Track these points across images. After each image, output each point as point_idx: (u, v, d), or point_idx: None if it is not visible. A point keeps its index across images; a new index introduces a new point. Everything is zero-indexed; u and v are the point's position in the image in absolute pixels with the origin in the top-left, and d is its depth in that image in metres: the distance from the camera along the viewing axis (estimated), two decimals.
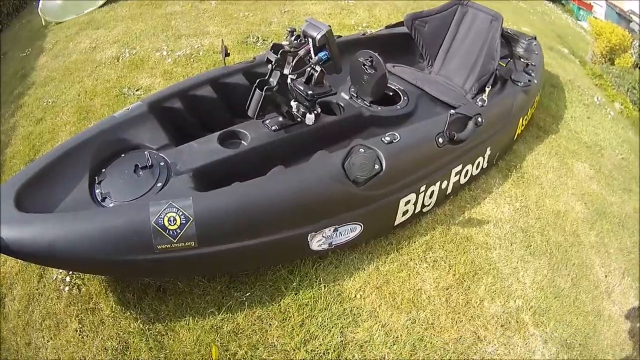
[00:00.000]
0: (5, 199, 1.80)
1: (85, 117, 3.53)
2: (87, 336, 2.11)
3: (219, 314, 2.21)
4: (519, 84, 3.30)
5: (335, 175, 2.12)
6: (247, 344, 2.12)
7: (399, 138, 2.35)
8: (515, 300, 2.53)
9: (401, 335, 2.24)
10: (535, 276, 2.73)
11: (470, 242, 2.80)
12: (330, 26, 2.30)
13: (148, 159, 2.15)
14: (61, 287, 2.30)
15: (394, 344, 2.21)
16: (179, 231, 1.81)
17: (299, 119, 2.47)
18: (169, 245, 1.82)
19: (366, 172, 2.14)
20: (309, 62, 2.33)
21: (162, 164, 2.19)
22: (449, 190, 2.86)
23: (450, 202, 3.04)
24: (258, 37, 4.70)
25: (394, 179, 2.32)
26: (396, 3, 6.09)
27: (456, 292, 2.49)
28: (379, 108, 2.92)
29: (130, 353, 2.06)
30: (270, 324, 2.20)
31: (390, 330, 2.25)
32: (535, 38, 4.14)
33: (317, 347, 2.14)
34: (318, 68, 2.30)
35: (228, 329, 2.17)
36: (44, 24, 5.29)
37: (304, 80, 2.37)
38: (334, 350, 2.13)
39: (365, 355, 2.14)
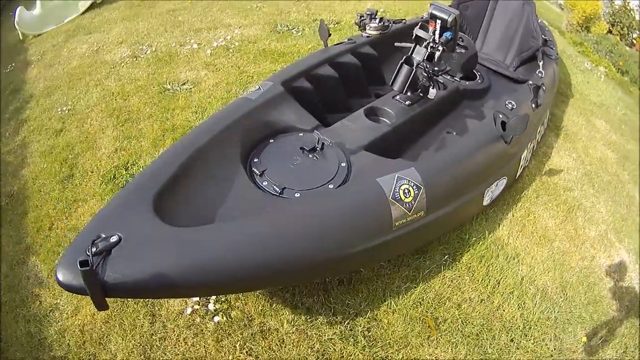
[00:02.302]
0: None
1: (127, 119, 3.21)
2: None
3: (416, 288, 2.27)
4: (552, 57, 3.60)
5: (497, 137, 2.33)
6: (451, 306, 2.24)
7: (515, 105, 2.59)
8: (600, 225, 3.10)
9: (548, 263, 2.66)
10: (606, 206, 3.30)
11: (558, 186, 3.28)
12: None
13: (318, 140, 2.01)
14: (199, 320, 1.98)
15: (547, 272, 2.61)
16: (413, 202, 1.76)
17: (421, 94, 2.62)
18: (404, 220, 1.74)
19: (519, 131, 2.31)
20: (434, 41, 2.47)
21: (330, 144, 2.04)
22: (535, 147, 3.21)
23: (533, 158, 3.39)
24: (287, 26, 4.63)
25: (523, 136, 2.55)
26: None
27: (567, 225, 3.00)
28: (467, 83, 3.11)
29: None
30: (462, 282, 2.38)
31: (541, 261, 2.66)
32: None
33: (505, 289, 2.41)
34: (441, 48, 2.43)
35: (430, 298, 2.25)
36: (21, 37, 4.92)
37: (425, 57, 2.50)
38: (516, 288, 2.45)
39: (535, 285, 2.50)
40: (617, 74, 6.27)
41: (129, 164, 2.81)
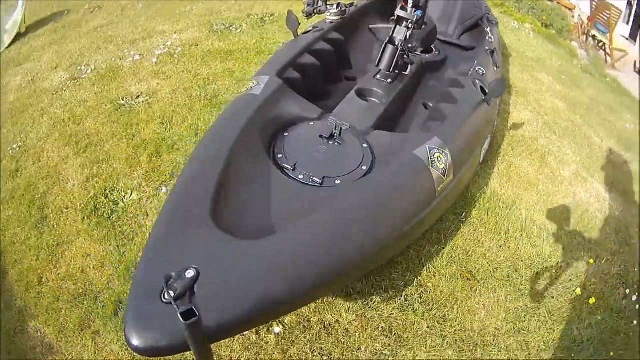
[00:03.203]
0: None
1: (88, 143, 2.89)
2: None
3: (445, 248, 2.37)
4: (493, 22, 3.82)
5: (482, 101, 2.46)
6: (478, 257, 2.38)
7: (485, 70, 2.78)
8: (571, 165, 3.38)
9: (540, 205, 2.89)
10: (571, 148, 3.59)
11: (526, 138, 3.51)
12: None
13: (336, 126, 1.96)
14: (255, 338, 1.83)
15: (542, 212, 2.85)
16: (445, 168, 1.82)
17: (402, 71, 2.69)
18: (442, 185, 1.79)
19: (499, 93, 2.50)
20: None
21: (344, 128, 2.00)
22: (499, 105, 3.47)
23: (498, 116, 3.61)
24: (224, 25, 4.45)
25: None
26: None
27: (544, 169, 3.25)
28: (427, 56, 3.21)
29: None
30: (479, 234, 2.52)
31: (534, 204, 2.89)
32: None
33: (515, 233, 2.60)
34: (411, 25, 2.55)
35: (459, 254, 2.36)
36: None
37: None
38: (524, 230, 2.65)
39: (537, 225, 2.72)
40: (543, 29, 6.82)
41: (107, 191, 2.54)
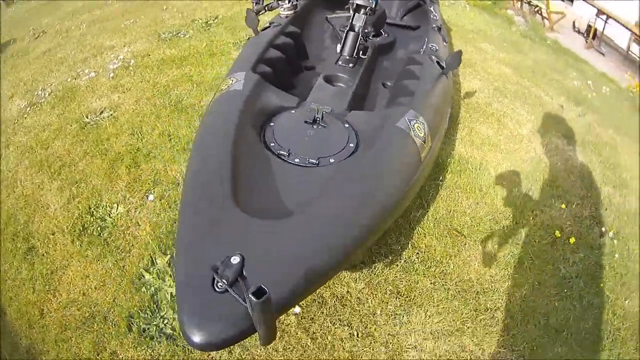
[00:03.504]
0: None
1: (61, 165, 2.82)
2: None
3: (429, 210, 2.55)
4: (434, 0, 3.98)
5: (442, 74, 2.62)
6: (461, 215, 2.58)
7: (437, 47, 2.93)
8: (527, 124, 3.66)
9: (505, 163, 3.14)
10: (524, 109, 3.86)
11: (480, 104, 3.77)
12: None
13: (318, 110, 2.04)
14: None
15: (508, 169, 3.08)
16: (424, 136, 1.94)
17: (362, 55, 2.82)
18: (424, 153, 1.91)
19: (456, 65, 2.61)
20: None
21: (326, 112, 2.09)
22: None
23: None
24: (171, 32, 4.42)
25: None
26: None
27: (503, 131, 3.50)
28: (378, 39, 3.34)
29: None
30: (457, 195, 2.73)
31: (499, 163, 3.12)
32: None
33: (488, 190, 2.83)
34: (369, 12, 2.70)
35: (443, 215, 2.56)
36: None
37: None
38: (496, 186, 2.88)
39: (507, 180, 2.95)
40: (478, 1, 7.17)
41: (91, 209, 2.50)
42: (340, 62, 2.76)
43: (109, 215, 2.46)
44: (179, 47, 4.14)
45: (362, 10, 2.69)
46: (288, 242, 1.26)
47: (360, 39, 2.72)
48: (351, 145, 1.94)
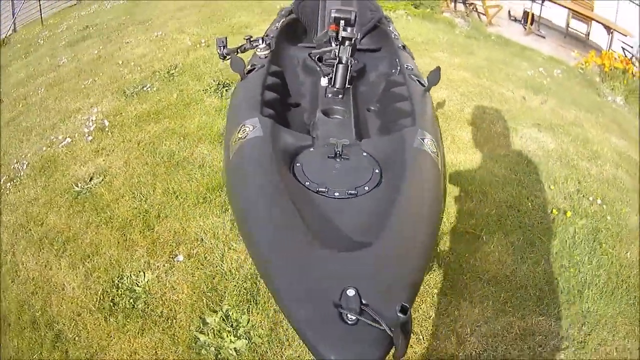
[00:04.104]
0: None
1: (65, 240, 2.65)
2: None
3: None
4: (389, 20, 4.11)
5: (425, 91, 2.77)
6: (467, 215, 2.81)
7: (412, 66, 3.07)
8: (500, 121, 3.99)
9: (490, 160, 3.36)
10: (491, 105, 4.25)
11: (453, 110, 4.04)
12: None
13: (337, 144, 2.13)
14: None
15: (495, 164, 3.31)
16: (436, 151, 2.09)
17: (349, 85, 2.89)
18: (440, 166, 2.05)
19: (436, 81, 2.71)
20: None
21: (345, 144, 2.17)
22: None
23: None
24: (135, 87, 4.32)
25: None
26: None
27: (480, 132, 3.75)
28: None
29: None
30: (461, 197, 2.97)
31: (487, 160, 3.34)
32: None
33: (485, 187, 3.06)
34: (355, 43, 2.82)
35: (454, 217, 2.80)
36: None
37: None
38: (489, 183, 3.11)
39: (495, 176, 3.20)
40: (416, 10, 7.57)
41: (115, 281, 2.37)
42: (329, 95, 2.82)
43: (137, 284, 2.36)
44: (149, 101, 4.05)
45: (347, 42, 2.77)
46: (383, 266, 1.34)
47: (350, 70, 2.80)
48: (377, 171, 2.02)
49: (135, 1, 8.34)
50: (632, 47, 7.79)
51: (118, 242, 2.59)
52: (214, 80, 4.31)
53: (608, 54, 7.11)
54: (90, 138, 3.53)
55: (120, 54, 5.39)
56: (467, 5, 8.74)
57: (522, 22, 9.28)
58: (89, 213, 2.82)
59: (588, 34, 8.81)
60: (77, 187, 3.04)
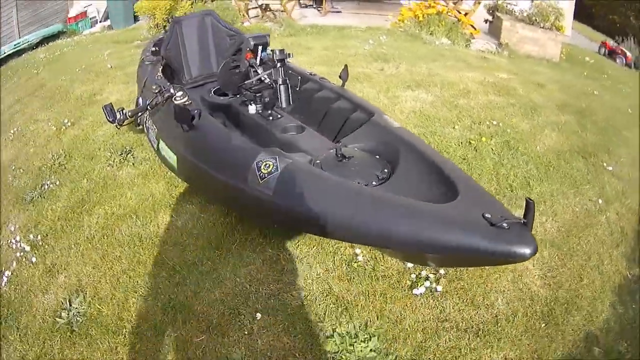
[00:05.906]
0: None
1: None
2: None
3: None
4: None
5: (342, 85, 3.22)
6: None
7: (313, 72, 3.52)
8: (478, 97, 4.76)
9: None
10: (471, 103, 4.74)
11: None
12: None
13: (337, 149, 2.48)
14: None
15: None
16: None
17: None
18: None
19: (347, 77, 3.18)
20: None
21: (341, 146, 2.62)
22: None
23: None
24: (32, 189, 3.80)
25: None
26: None
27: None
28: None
29: None
30: None
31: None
32: None
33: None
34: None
35: None
36: None
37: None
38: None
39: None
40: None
41: None
42: (278, 115, 3.09)
43: None
44: (61, 197, 3.58)
45: (280, 63, 3.02)
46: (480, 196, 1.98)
47: (289, 87, 3.05)
48: (377, 157, 2.50)
49: None
50: None
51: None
52: (110, 152, 3.99)
53: (418, 5, 7.74)
54: (34, 259, 3.02)
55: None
56: (263, 9, 8.86)
57: (314, 5, 10.17)
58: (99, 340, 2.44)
59: None
60: (61, 318, 2.61)
